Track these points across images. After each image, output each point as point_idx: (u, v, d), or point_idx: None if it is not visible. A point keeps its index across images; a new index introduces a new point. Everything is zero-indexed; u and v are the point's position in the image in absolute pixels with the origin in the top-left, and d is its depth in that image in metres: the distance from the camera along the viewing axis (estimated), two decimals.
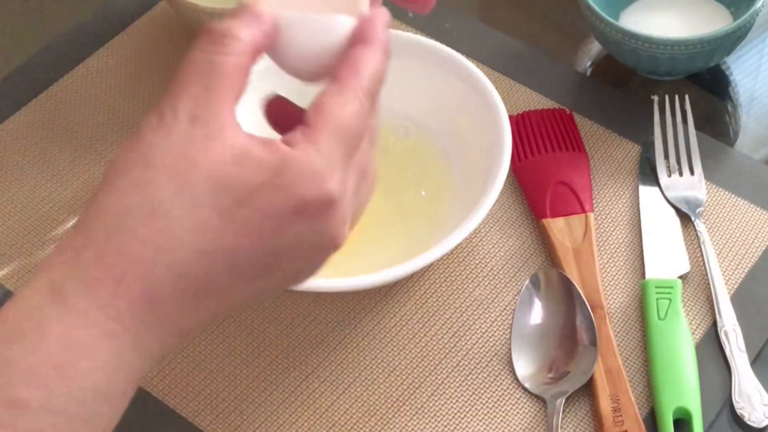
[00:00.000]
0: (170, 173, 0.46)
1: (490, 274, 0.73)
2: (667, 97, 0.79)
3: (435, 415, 0.67)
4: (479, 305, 0.71)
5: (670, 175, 0.76)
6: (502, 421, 0.67)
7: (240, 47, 0.48)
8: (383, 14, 0.51)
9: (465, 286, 0.72)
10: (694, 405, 0.65)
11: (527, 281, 0.71)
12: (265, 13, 0.49)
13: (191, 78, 0.47)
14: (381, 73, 0.50)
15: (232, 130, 0.47)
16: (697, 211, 0.74)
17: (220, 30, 0.48)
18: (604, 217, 0.75)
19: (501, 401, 0.67)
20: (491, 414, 0.67)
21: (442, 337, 0.70)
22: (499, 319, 0.71)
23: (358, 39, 0.50)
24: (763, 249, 0.73)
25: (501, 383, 0.68)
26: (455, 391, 0.68)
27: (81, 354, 0.45)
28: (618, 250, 0.73)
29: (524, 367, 0.68)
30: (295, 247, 0.48)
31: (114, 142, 0.81)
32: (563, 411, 0.66)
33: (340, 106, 0.48)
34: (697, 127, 0.78)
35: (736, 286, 0.71)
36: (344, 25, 0.50)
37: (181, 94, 0.47)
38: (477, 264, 0.73)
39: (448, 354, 0.69)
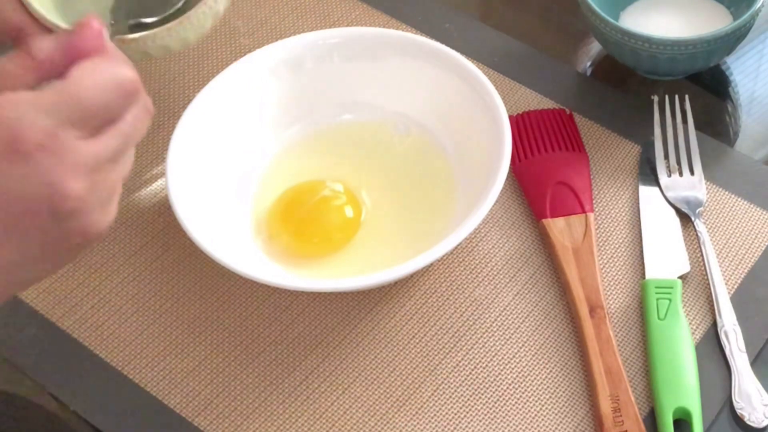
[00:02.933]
0: None
1: (490, 274, 0.73)
2: (667, 97, 0.79)
3: (435, 415, 0.67)
4: (479, 305, 0.71)
5: (670, 175, 0.76)
6: (502, 421, 0.67)
7: (27, 64, 0.52)
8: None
9: (465, 286, 0.72)
10: (694, 405, 0.65)
11: None
12: (90, 25, 0.53)
13: None
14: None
15: None
16: (697, 211, 0.74)
17: (25, 43, 0.52)
18: (604, 217, 0.75)
19: (501, 401, 0.67)
20: (491, 414, 0.67)
21: (442, 337, 0.70)
22: (499, 319, 0.71)
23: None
24: (763, 249, 0.73)
25: (501, 383, 0.68)
26: (455, 391, 0.68)
27: None
28: (618, 250, 0.73)
29: None
30: (18, 193, 0.49)
31: None
32: (563, 412, 0.66)
33: (92, 73, 0.51)
34: (697, 127, 0.78)
35: (736, 286, 0.71)
36: None
37: None
38: (477, 264, 0.73)
39: (448, 354, 0.69)
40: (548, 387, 0.68)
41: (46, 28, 0.68)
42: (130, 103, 0.53)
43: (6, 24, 0.67)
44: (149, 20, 0.71)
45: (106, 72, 0.52)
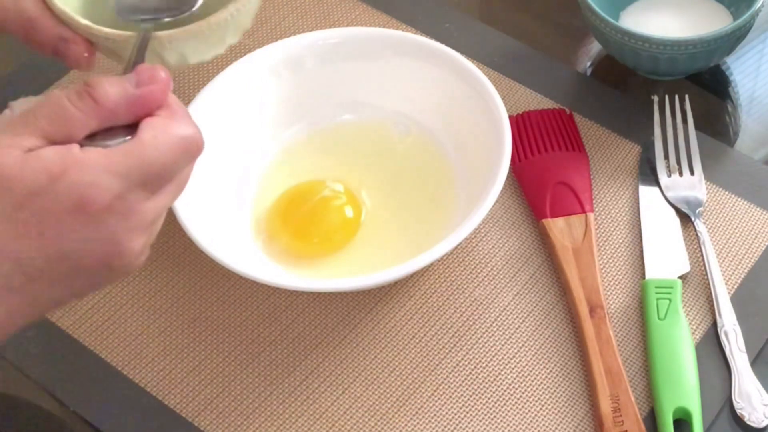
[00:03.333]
0: None
1: (490, 274, 0.73)
2: (667, 97, 0.79)
3: (435, 415, 0.67)
4: (479, 305, 0.71)
5: (670, 175, 0.76)
6: (502, 421, 0.67)
7: (92, 111, 0.51)
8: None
9: (465, 286, 0.72)
10: (694, 405, 0.65)
11: None
12: (158, 78, 0.53)
13: (42, 108, 0.51)
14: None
15: (29, 137, 0.50)
16: (697, 211, 0.74)
17: (91, 86, 0.51)
18: (604, 217, 0.75)
19: (501, 401, 0.67)
20: (491, 414, 0.67)
21: (442, 337, 0.70)
22: (499, 319, 0.71)
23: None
24: (763, 249, 0.73)
25: (501, 383, 0.68)
26: (455, 391, 0.68)
27: None
28: (618, 250, 0.73)
29: None
30: (81, 251, 0.50)
31: None
32: (563, 412, 0.66)
33: (161, 135, 0.52)
34: (697, 127, 0.78)
35: (736, 286, 0.71)
36: None
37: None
38: (477, 264, 0.73)
39: (448, 354, 0.69)
40: (548, 387, 0.68)
41: (61, 21, 0.67)
42: (191, 160, 0.55)
43: (21, 15, 0.67)
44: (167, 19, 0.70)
45: (174, 134, 0.53)
